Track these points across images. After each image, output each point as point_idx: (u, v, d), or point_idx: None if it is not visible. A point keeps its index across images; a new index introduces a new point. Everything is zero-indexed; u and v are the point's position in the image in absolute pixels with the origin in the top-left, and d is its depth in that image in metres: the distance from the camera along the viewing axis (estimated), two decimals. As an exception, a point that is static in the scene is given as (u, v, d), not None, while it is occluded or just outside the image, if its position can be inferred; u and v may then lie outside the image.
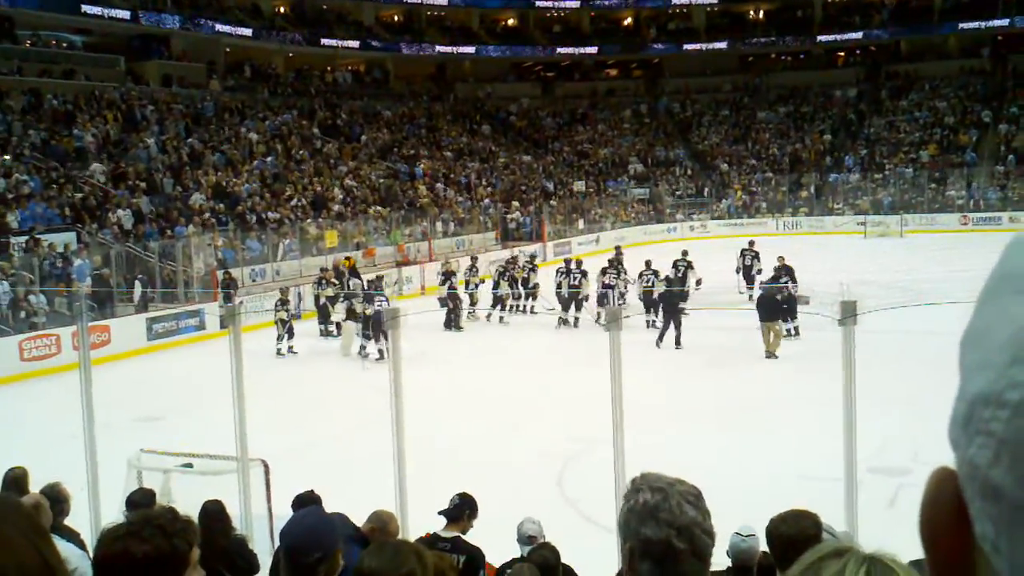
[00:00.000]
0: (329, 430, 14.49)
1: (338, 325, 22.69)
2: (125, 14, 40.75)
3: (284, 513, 6.51)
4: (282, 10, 51.34)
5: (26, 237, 23.87)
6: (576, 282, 23.75)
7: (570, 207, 45.18)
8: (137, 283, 24.20)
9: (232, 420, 8.20)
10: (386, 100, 51.32)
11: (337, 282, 24.11)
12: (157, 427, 14.56)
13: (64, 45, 40.99)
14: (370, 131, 45.93)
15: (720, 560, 5.55)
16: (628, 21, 62.01)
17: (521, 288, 25.83)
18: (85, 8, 39.06)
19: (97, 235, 26.02)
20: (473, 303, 25.45)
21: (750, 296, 22.02)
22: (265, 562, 6.27)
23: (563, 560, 6.07)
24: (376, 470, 8.52)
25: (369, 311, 20.22)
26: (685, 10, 60.71)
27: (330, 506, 6.69)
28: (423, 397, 15.34)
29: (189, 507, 6.56)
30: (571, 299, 23.61)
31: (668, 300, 21.04)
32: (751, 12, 60.80)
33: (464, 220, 39.98)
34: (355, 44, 52.70)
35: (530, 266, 26.47)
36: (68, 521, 6.39)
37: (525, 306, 25.76)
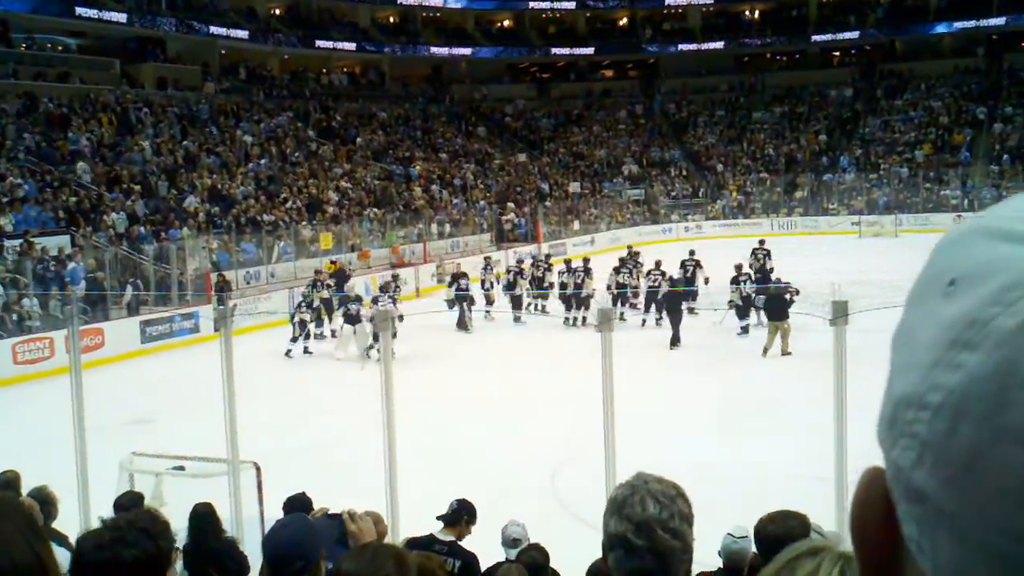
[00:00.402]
0: (323, 432, 14.48)
1: (333, 331, 22.73)
2: (120, 17, 40.71)
3: (276, 516, 6.51)
4: (277, 12, 51.32)
5: (20, 240, 23.83)
6: (580, 280, 23.89)
7: (565, 208, 45.19)
8: (128, 287, 24.19)
9: (224, 422, 8.21)
10: (381, 102, 51.32)
11: (332, 284, 24.10)
12: (150, 430, 14.55)
13: (59, 48, 40.95)
14: (365, 133, 45.92)
15: (713, 561, 5.56)
16: (623, 22, 62.04)
17: (533, 287, 25.86)
18: (80, 11, 39.02)
19: (91, 238, 26.00)
20: (490, 303, 25.54)
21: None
22: (256, 564, 6.26)
23: (557, 561, 6.07)
24: (369, 472, 8.52)
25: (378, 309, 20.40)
26: (680, 10, 60.76)
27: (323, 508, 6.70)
28: (421, 398, 15.38)
29: (180, 510, 6.58)
30: (572, 298, 23.86)
31: (671, 300, 21.24)
32: (746, 12, 60.87)
33: (459, 222, 39.99)
34: (350, 46, 52.70)
35: (545, 265, 26.37)
36: (56, 524, 6.38)
37: (542, 305, 25.76)
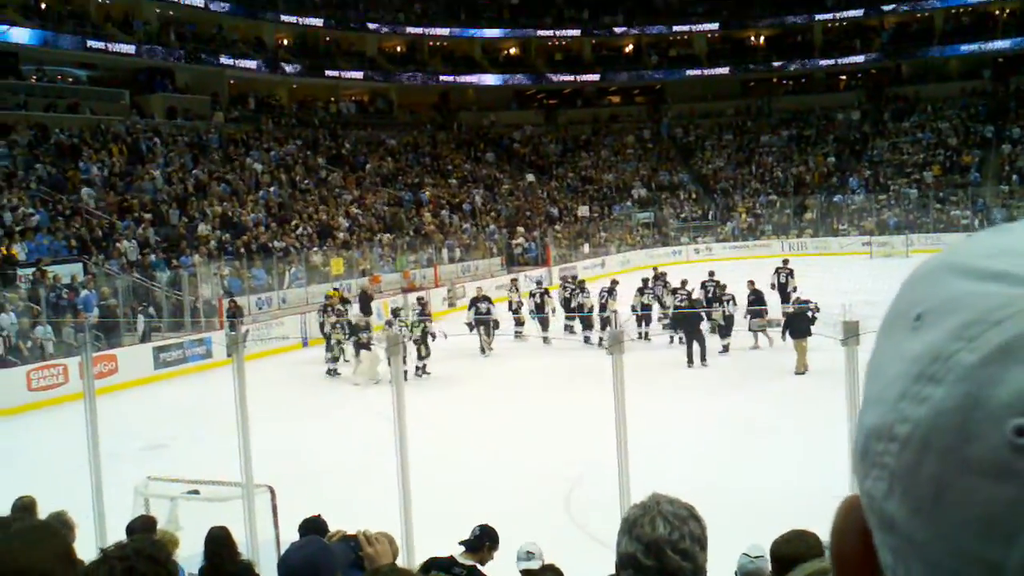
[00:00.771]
0: (338, 456, 14.48)
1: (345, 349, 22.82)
2: (129, 48, 41.07)
3: (292, 538, 6.52)
4: (285, 43, 51.70)
5: (33, 269, 23.99)
6: (604, 301, 24.18)
7: (575, 232, 45.27)
8: (140, 316, 24.29)
9: (238, 447, 8.24)
10: (390, 129, 51.58)
11: (343, 309, 24.17)
12: (164, 455, 14.58)
13: (69, 79, 41.29)
14: (374, 160, 46.14)
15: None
16: (629, 48, 62.33)
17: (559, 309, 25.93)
18: (90, 43, 39.42)
19: (104, 266, 26.14)
20: (520, 324, 25.69)
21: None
22: (272, 588, 6.27)
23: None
24: (384, 494, 8.53)
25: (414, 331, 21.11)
26: (686, 37, 61.00)
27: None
28: (437, 420, 15.40)
29: (196, 534, 6.60)
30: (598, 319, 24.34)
31: (689, 320, 21.46)
32: (751, 38, 61.12)
33: (470, 246, 40.09)
34: (358, 75, 53.04)
35: (572, 287, 26.21)
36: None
37: (571, 327, 25.68)
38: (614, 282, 25.26)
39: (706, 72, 59.98)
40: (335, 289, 28.35)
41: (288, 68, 49.61)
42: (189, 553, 6.95)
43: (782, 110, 58.26)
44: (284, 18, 49.68)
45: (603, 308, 24.12)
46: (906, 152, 52.22)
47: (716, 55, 60.41)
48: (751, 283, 23.19)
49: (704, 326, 21.77)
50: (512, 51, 61.38)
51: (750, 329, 22.49)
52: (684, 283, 23.77)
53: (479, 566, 6.32)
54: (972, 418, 0.48)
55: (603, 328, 23.54)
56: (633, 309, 24.25)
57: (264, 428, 10.75)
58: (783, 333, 20.25)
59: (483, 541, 6.44)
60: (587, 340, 23.82)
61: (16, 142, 31.93)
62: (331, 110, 51.01)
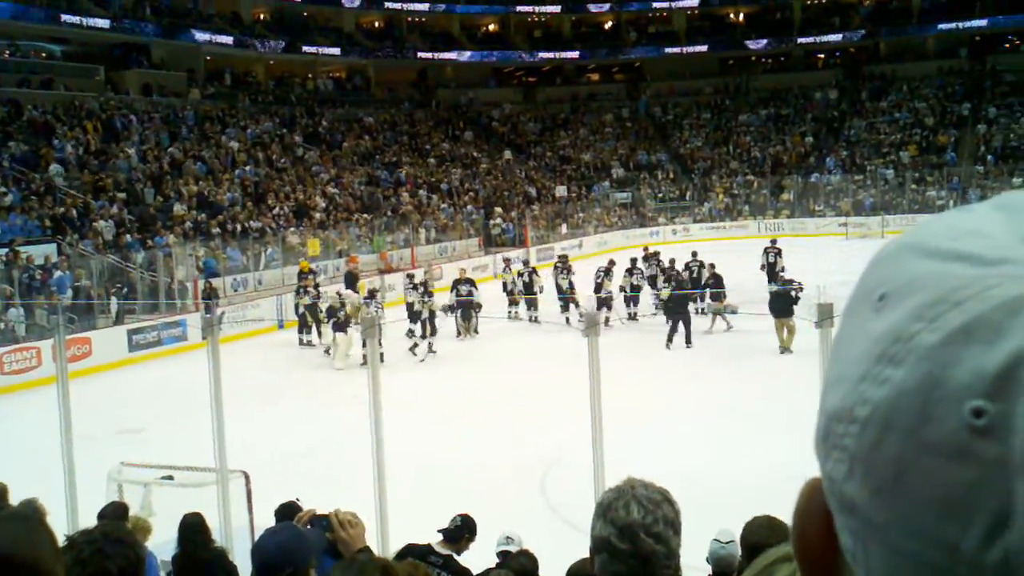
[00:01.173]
0: (314, 439, 14.44)
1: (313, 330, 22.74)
2: (104, 23, 40.58)
3: (267, 524, 6.49)
4: (262, 18, 51.24)
5: (5, 250, 23.71)
6: (599, 281, 24.25)
7: (553, 212, 45.23)
8: (113, 297, 24.07)
9: (212, 431, 8.19)
10: (368, 107, 51.28)
11: (318, 292, 24.09)
12: (138, 439, 14.49)
13: (43, 55, 40.79)
14: (351, 138, 45.88)
15: (701, 565, 5.57)
16: (608, 25, 62.19)
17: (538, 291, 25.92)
18: (64, 17, 38.91)
19: (78, 246, 25.89)
20: (515, 304, 25.72)
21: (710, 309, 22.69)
22: (245, 574, 6.25)
23: (548, 566, 6.07)
24: (359, 479, 8.51)
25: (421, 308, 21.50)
26: (665, 14, 60.91)
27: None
28: (414, 402, 15.38)
29: (170, 520, 6.56)
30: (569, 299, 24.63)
31: (677, 301, 21.58)
32: (731, 15, 61.08)
33: (447, 226, 39.98)
34: (336, 51, 52.66)
35: (563, 267, 26.15)
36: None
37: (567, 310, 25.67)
38: (611, 262, 25.06)
39: (685, 50, 59.92)
40: (305, 260, 28.25)
41: (265, 44, 49.17)
42: (163, 539, 6.91)
43: (760, 88, 58.33)
44: (261, -7, 49.28)
45: (598, 288, 24.07)
46: (883, 132, 52.46)
47: (695, 33, 60.36)
48: (711, 266, 23.74)
49: (691, 307, 21.92)
50: (491, 28, 61.11)
51: (707, 312, 22.75)
52: (673, 263, 24.26)
53: (455, 556, 6.31)
54: (932, 399, 0.49)
55: (600, 309, 23.58)
56: (622, 289, 24.30)
57: (240, 412, 10.70)
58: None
59: (462, 532, 6.44)
60: (567, 322, 23.75)
61: (-11, 119, 31.56)
62: (308, 87, 50.64)
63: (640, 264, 25.49)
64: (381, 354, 12.70)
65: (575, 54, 60.64)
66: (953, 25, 54.53)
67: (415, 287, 22.82)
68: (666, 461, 10.66)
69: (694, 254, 25.18)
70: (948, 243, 0.53)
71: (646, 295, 24.50)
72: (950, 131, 50.43)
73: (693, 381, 17.64)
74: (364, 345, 12.61)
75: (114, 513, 6.54)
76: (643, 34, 61.32)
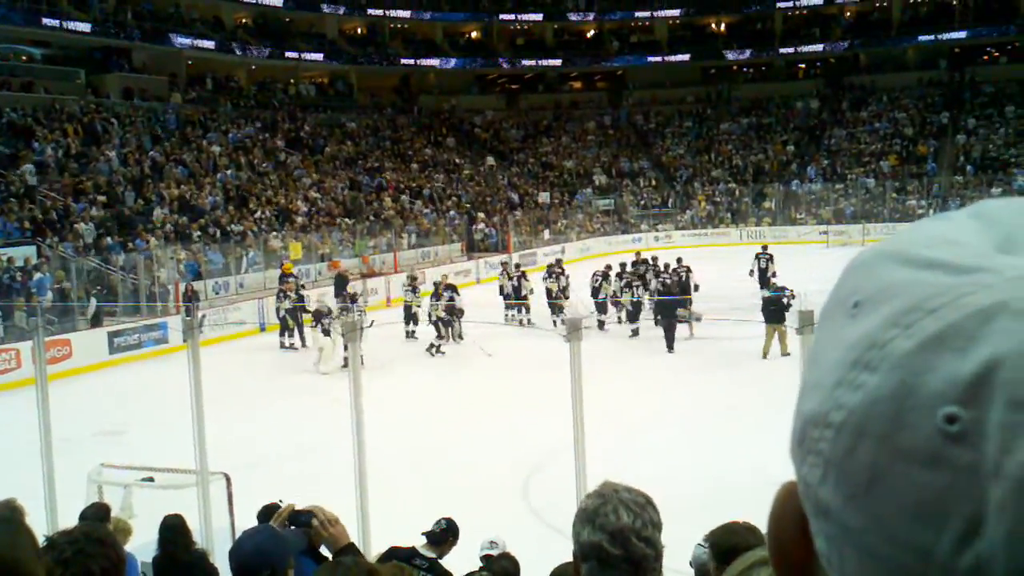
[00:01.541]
0: (296, 442, 14.39)
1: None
2: (85, 27, 40.41)
3: (249, 525, 6.47)
4: (244, 22, 51.11)
5: (-15, 251, 23.58)
6: (597, 284, 24.28)
7: (535, 218, 45.29)
8: (92, 299, 23.94)
9: (192, 433, 8.16)
10: (350, 112, 51.21)
11: (301, 295, 24.05)
12: (119, 441, 14.41)
13: (23, 58, 40.56)
14: (334, 143, 45.81)
15: (681, 567, 5.58)
16: (591, 33, 62.36)
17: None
18: (44, 20, 38.71)
19: (58, 249, 25.74)
20: (511, 308, 25.77)
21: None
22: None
23: (528, 569, 6.08)
24: (342, 481, 8.49)
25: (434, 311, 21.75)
26: (647, 23, 61.14)
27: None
28: (397, 407, 15.35)
29: (150, 521, 6.53)
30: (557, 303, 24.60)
31: (667, 306, 21.71)
32: (713, 25, 61.38)
33: (430, 231, 39.97)
34: (318, 56, 52.59)
35: (558, 270, 26.24)
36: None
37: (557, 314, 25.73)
38: (608, 267, 25.00)
39: (667, 59, 60.18)
40: (289, 263, 28.19)
41: (247, 49, 49.04)
42: (143, 541, 6.88)
43: (742, 98, 58.61)
44: (243, -2, 49.15)
45: (595, 293, 24.12)
46: (863, 141, 52.81)
47: (677, 42, 60.62)
48: (676, 272, 24.06)
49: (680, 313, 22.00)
50: (474, 35, 61.17)
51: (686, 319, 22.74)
52: (667, 267, 24.51)
53: (438, 560, 6.32)
54: (905, 406, 0.49)
55: (601, 312, 23.65)
56: (614, 294, 24.32)
57: (220, 414, 10.66)
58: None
59: (447, 535, 6.45)
60: (555, 324, 23.66)
61: (-33, 121, 31.33)
62: (290, 92, 50.53)
63: (630, 268, 25.56)
64: (362, 357, 12.66)
65: (557, 62, 60.81)
66: (932, 37, 55.04)
67: (414, 289, 22.87)
68: (647, 465, 10.70)
69: (679, 260, 25.27)
70: (923, 251, 0.54)
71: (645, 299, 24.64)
72: (930, 141, 50.81)
73: (677, 385, 17.67)
74: (346, 348, 12.59)
75: (96, 514, 6.51)
76: (625, 43, 61.55)
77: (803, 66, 60.99)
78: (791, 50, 58.90)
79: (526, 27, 61.25)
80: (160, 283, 26.24)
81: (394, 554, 6.07)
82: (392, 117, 53.20)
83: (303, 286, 25.71)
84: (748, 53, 59.62)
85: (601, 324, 23.53)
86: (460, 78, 59.65)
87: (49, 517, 8.07)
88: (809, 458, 0.54)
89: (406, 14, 56.52)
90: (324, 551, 4.15)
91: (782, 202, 49.41)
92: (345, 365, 19.42)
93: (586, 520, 2.15)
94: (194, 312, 16.54)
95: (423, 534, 6.48)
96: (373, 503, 7.77)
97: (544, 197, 49.10)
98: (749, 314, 21.22)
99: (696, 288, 24.38)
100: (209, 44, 46.72)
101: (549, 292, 25.45)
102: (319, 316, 21.05)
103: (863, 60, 58.53)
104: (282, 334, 23.52)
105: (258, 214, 34.29)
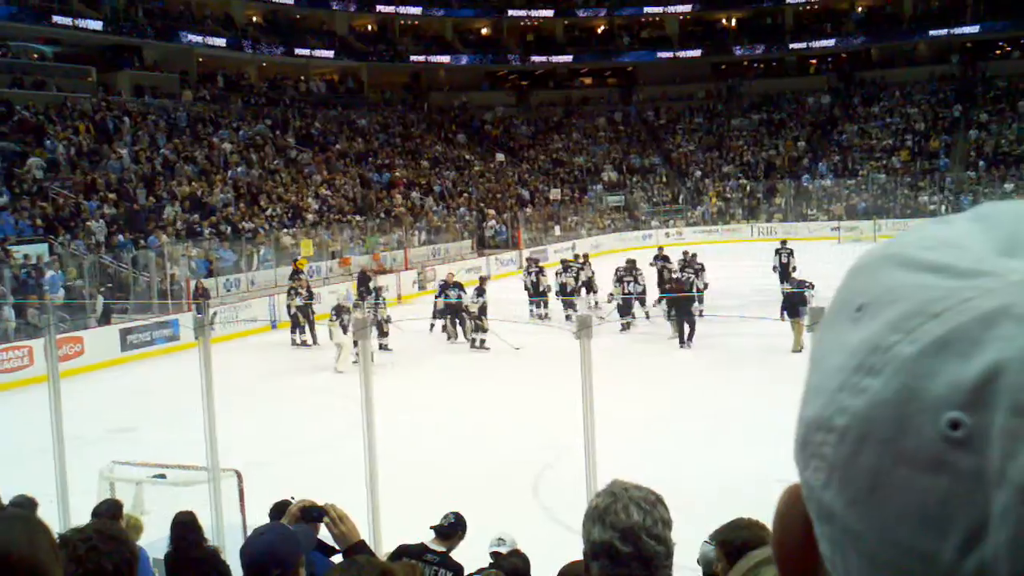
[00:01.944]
0: (307, 439, 14.42)
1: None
2: (97, 24, 40.53)
3: (261, 522, 6.48)
4: (255, 20, 51.19)
5: (-3, 249, 23.68)
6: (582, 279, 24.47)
7: (546, 215, 45.27)
8: (99, 296, 24.00)
9: (204, 430, 8.18)
10: (360, 109, 51.25)
11: (310, 293, 24.09)
12: (130, 438, 14.45)
13: (34, 56, 40.67)
14: (344, 140, 45.85)
15: (688, 563, 5.57)
16: (601, 29, 62.26)
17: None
18: (56, 19, 38.84)
19: (70, 246, 25.83)
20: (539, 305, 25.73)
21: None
22: (238, 573, 6.24)
23: (539, 566, 6.08)
24: (352, 478, 8.51)
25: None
26: (658, 19, 61.02)
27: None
28: (407, 404, 15.35)
29: (162, 518, 6.56)
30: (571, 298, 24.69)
31: (680, 302, 21.63)
32: (723, 20, 61.21)
33: (440, 228, 39.98)
34: (328, 54, 52.63)
35: (579, 265, 26.25)
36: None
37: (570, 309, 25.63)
38: (630, 261, 24.45)
39: (677, 54, 60.02)
40: (303, 259, 28.23)
41: (257, 46, 49.12)
42: (155, 538, 6.91)
43: (753, 93, 58.45)
44: (254, -4, 49.25)
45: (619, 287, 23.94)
46: (875, 137, 52.60)
47: (688, 38, 60.46)
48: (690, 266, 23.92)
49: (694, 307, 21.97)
50: (484, 31, 61.13)
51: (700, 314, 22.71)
52: (686, 260, 24.35)
53: (449, 553, 6.33)
54: (908, 410, 0.49)
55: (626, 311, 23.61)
56: (628, 294, 24.19)
57: (232, 411, 10.69)
58: (781, 313, 20.25)
59: (456, 529, 6.46)
60: (568, 319, 23.58)
61: (-21, 119, 31.45)
62: (301, 89, 50.60)
63: (651, 264, 25.62)
64: (373, 353, 12.73)
65: (568, 58, 60.73)
66: (944, 31, 54.79)
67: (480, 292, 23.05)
68: (657, 463, 10.69)
69: (693, 256, 25.09)
70: (926, 254, 0.53)
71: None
72: (942, 136, 50.58)
73: (690, 383, 17.60)
74: (356, 344, 12.59)
75: (109, 511, 6.54)
76: (636, 39, 61.42)
77: (814, 61, 60.75)
78: (802, 45, 58.70)
79: (536, 23, 61.17)
80: (172, 281, 26.31)
81: (404, 551, 6.08)
82: (402, 114, 53.23)
83: (310, 285, 25.73)
84: (759, 48, 59.43)
85: (627, 325, 23.34)
86: (470, 75, 59.62)
87: (62, 514, 8.10)
88: (812, 462, 0.54)
89: (416, 11, 56.51)
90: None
91: (793, 198, 49.26)
92: (356, 360, 19.47)
93: (596, 518, 2.15)
94: (205, 309, 16.57)
95: (431, 528, 6.49)
96: (383, 499, 7.78)
97: (555, 193, 49.05)
98: (755, 311, 21.17)
99: (705, 286, 24.18)
100: (220, 42, 46.80)
101: (563, 287, 25.39)
102: (339, 311, 21.03)
103: (874, 55, 58.31)
104: (293, 331, 23.56)
105: (269, 211, 34.36)
